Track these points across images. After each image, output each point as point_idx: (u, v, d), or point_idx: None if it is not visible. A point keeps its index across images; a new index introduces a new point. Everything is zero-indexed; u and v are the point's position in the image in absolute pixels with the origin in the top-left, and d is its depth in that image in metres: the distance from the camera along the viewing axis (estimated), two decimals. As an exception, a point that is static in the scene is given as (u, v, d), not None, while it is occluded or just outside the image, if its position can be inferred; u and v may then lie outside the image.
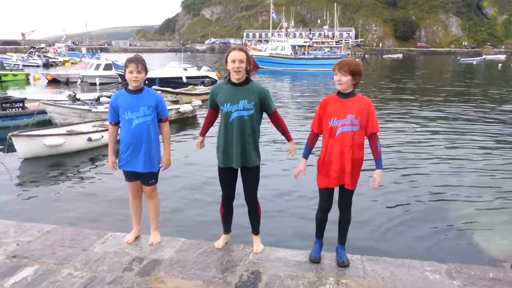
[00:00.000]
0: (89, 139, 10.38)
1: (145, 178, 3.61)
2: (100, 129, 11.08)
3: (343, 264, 3.37)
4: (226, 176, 3.50)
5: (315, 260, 3.43)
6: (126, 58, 3.68)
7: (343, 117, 3.14)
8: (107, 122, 11.67)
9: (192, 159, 9.45)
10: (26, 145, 9.52)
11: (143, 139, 3.45)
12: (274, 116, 3.47)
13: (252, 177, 3.47)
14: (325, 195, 3.36)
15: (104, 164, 9.68)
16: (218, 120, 3.55)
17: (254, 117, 3.33)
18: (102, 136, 10.62)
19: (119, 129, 3.60)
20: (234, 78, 3.31)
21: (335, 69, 3.20)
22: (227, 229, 3.78)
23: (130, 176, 3.60)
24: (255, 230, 3.70)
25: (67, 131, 10.60)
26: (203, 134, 3.70)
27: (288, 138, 3.56)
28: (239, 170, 3.48)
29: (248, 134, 3.33)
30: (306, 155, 3.41)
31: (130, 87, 3.49)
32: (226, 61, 3.30)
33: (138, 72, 3.37)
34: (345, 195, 3.33)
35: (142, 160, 3.49)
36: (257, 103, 3.32)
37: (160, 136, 3.66)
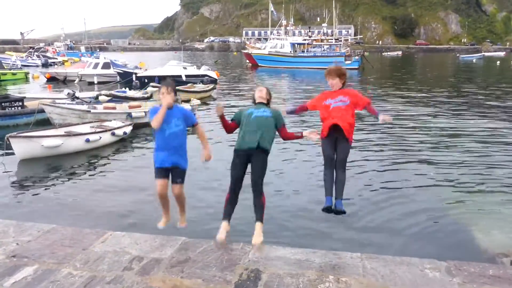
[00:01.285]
0: (87, 140, 10.35)
1: (173, 177, 4.01)
2: (98, 130, 11.05)
3: (338, 210, 3.71)
4: (238, 160, 3.88)
5: (327, 208, 3.75)
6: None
7: (335, 98, 4.03)
8: (105, 123, 11.73)
9: (193, 159, 9.43)
10: (24, 146, 9.48)
11: (173, 143, 4.04)
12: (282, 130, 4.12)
13: (260, 160, 3.84)
14: (325, 146, 3.89)
15: (103, 164, 9.67)
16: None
17: (272, 120, 3.98)
18: (100, 137, 10.61)
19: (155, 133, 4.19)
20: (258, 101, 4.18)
21: (325, 76, 4.10)
22: (227, 215, 3.79)
23: (161, 173, 4.00)
24: (259, 218, 3.70)
25: (65, 132, 10.55)
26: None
27: (300, 135, 4.08)
28: (251, 158, 3.84)
29: (266, 129, 3.91)
30: (290, 111, 4.45)
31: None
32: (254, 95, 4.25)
33: (168, 93, 4.04)
34: (341, 152, 3.85)
35: (170, 160, 4.01)
36: (274, 114, 4.05)
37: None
